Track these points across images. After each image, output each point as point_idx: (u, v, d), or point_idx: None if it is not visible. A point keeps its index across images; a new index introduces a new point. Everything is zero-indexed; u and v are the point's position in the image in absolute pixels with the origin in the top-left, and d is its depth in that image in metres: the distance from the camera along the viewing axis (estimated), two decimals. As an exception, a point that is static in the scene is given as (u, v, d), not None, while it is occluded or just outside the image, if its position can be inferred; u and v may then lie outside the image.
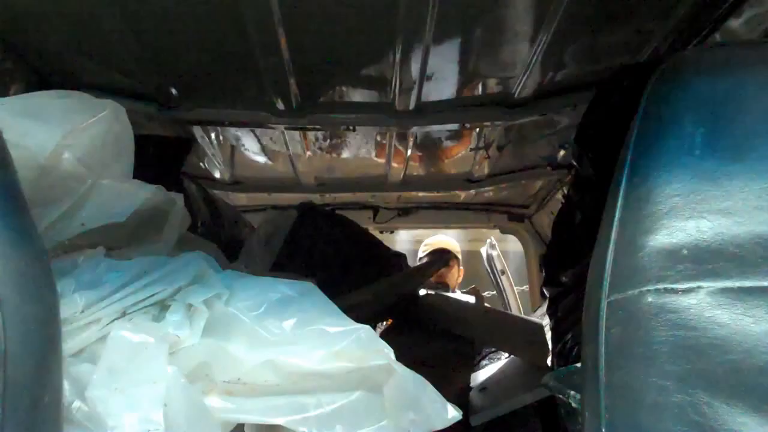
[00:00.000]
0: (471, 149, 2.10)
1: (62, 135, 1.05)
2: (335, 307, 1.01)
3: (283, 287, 1.01)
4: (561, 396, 1.27)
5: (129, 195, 1.11)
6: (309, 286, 1.04)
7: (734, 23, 1.20)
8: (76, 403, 0.80)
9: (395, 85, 1.55)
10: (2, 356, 0.57)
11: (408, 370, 0.91)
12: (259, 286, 1.01)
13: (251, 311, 0.95)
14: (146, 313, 0.93)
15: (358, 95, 1.66)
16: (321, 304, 1.01)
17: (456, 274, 3.54)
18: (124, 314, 0.91)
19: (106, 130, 1.11)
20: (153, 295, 0.94)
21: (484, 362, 2.43)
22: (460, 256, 3.62)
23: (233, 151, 2.13)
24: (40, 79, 1.45)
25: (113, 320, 0.90)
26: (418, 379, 0.91)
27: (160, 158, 1.66)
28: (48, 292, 0.67)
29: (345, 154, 2.14)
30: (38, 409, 0.62)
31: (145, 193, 1.13)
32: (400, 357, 0.92)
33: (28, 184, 0.72)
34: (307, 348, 0.90)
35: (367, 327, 0.93)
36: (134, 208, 1.10)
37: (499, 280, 3.66)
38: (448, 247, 3.58)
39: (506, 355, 2.37)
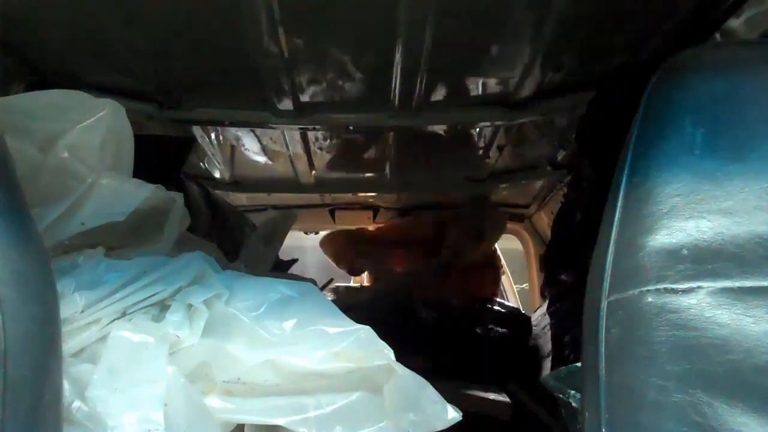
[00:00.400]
0: (471, 149, 2.10)
1: (62, 135, 1.05)
2: (335, 307, 1.00)
3: (283, 287, 1.01)
4: (561, 396, 1.27)
5: (129, 194, 1.11)
6: (309, 286, 1.04)
7: (734, 23, 1.20)
8: (76, 403, 0.80)
9: (395, 85, 1.55)
10: (2, 356, 0.57)
11: (408, 370, 0.91)
12: (259, 286, 1.01)
13: (251, 311, 0.95)
14: (146, 313, 0.93)
15: (358, 95, 1.66)
16: (321, 304, 1.01)
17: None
18: (124, 314, 0.91)
19: (106, 130, 1.10)
20: (153, 295, 0.94)
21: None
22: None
23: (233, 151, 2.13)
24: (40, 79, 1.45)
25: (113, 320, 0.90)
26: (418, 379, 0.91)
27: (160, 158, 1.65)
28: (48, 292, 0.67)
29: (345, 154, 2.14)
30: (38, 409, 0.62)
31: (144, 193, 1.13)
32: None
33: (28, 184, 0.72)
34: (307, 348, 0.90)
35: (367, 327, 0.93)
36: (134, 208, 1.10)
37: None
38: None
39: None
